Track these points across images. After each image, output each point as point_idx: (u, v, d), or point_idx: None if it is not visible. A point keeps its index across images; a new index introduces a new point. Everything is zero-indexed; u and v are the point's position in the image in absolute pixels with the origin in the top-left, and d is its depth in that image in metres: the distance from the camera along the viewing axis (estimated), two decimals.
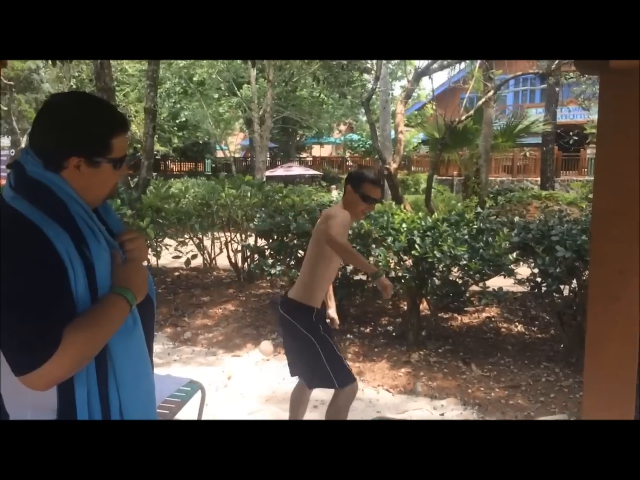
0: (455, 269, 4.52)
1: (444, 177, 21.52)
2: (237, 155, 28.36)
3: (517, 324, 5.44)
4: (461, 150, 12.60)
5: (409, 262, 4.64)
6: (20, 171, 1.23)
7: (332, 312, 3.20)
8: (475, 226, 4.53)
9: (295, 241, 5.18)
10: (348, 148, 29.44)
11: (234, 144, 27.54)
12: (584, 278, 4.21)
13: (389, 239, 4.62)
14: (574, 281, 4.46)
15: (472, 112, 7.91)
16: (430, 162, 8.33)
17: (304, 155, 31.13)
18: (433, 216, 4.78)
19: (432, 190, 15.54)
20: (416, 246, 4.39)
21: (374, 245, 4.77)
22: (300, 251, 5.29)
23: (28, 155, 1.24)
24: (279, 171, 21.07)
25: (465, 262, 4.25)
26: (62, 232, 1.16)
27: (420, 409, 3.90)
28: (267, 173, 18.82)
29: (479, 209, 5.39)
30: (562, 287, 4.44)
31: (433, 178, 8.12)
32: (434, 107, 21.71)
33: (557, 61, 7.41)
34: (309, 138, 29.57)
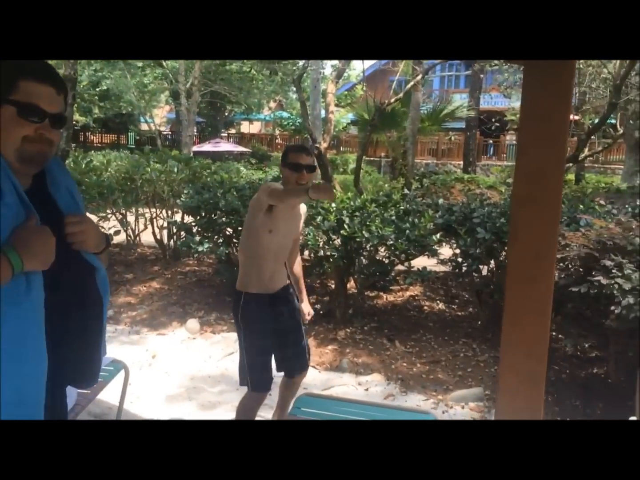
0: (382, 249, 4.62)
1: (372, 158, 21.79)
2: (162, 129, 27.44)
3: (438, 302, 5.66)
4: (389, 132, 12.79)
5: (338, 242, 4.70)
6: None
7: (304, 305, 2.99)
8: (402, 207, 4.65)
9: (223, 219, 5.11)
10: (278, 126, 29.19)
11: (159, 116, 26.61)
12: (502, 259, 4.43)
13: (318, 218, 4.65)
14: (492, 262, 4.68)
15: (401, 94, 8.03)
16: (359, 143, 8.40)
17: (232, 131, 30.56)
18: (362, 197, 4.85)
19: (361, 170, 15.76)
20: (345, 226, 4.45)
21: (303, 224, 4.79)
22: (228, 229, 5.22)
23: None
24: (207, 147, 20.57)
25: (392, 242, 4.36)
26: None
27: (346, 385, 4.00)
28: (195, 148, 18.36)
29: (405, 191, 5.52)
30: (481, 267, 4.65)
31: (362, 159, 8.21)
32: (364, 88, 21.90)
33: None
34: (238, 114, 29.02)
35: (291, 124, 27.28)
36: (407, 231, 4.37)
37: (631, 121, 11.28)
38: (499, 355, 4.70)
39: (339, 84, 19.13)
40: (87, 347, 1.42)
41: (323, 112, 16.62)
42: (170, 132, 28.69)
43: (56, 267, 1.26)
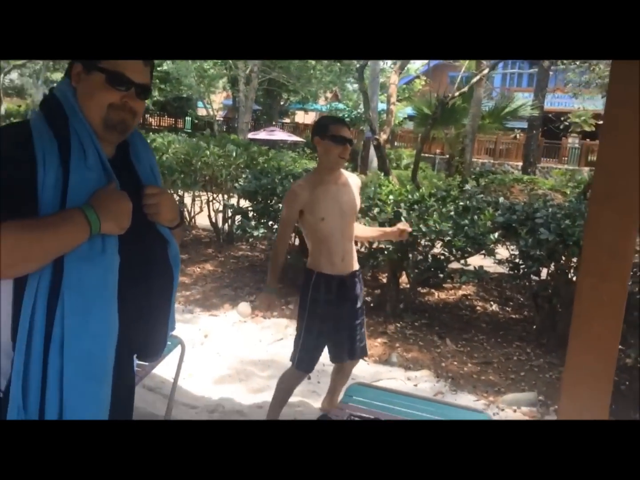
0: (439, 245, 4.55)
1: (426, 155, 21.46)
2: (217, 115, 27.84)
3: (492, 303, 5.53)
4: (447, 129, 12.57)
5: None
6: (50, 91, 1.33)
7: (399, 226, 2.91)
8: (462, 203, 4.55)
9: (280, 205, 5.13)
10: None
11: (216, 102, 27.01)
12: (563, 262, 4.28)
13: (375, 210, 4.61)
14: (552, 265, 4.53)
15: (465, 88, 7.86)
16: (419, 138, 8.27)
17: (286, 120, 30.69)
18: (420, 190, 4.78)
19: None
20: (402, 219, 4.39)
21: (359, 215, 4.76)
22: None
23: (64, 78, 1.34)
24: (262, 134, 20.75)
25: (449, 238, 4.28)
26: (50, 139, 1.20)
27: (395, 379, 3.96)
28: (250, 135, 18.55)
29: (467, 186, 5.41)
30: (540, 270, 4.52)
31: (421, 153, 8.10)
32: (425, 81, 21.51)
33: None
34: (294, 103, 29.13)
35: (346, 115, 27.19)
36: (466, 228, 4.28)
37: None
38: (553, 361, 4.57)
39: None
40: (156, 319, 1.44)
41: (380, 105, 16.53)
42: (224, 119, 29.06)
43: (131, 236, 1.28)
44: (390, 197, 4.65)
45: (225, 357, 4.20)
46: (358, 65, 14.81)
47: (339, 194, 2.73)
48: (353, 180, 2.89)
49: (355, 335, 2.89)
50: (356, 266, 2.87)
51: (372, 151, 13.36)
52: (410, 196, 4.68)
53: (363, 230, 3.11)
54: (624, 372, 4.04)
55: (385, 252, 4.56)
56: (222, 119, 29.04)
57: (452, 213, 4.41)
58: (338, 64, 19.18)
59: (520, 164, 18.42)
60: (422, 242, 4.52)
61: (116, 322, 1.27)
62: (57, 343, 1.18)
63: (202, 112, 27.06)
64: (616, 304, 1.94)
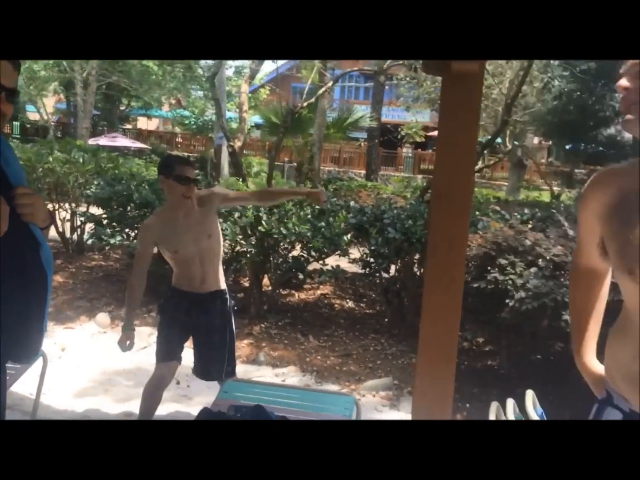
0: (298, 247, 4.80)
1: (275, 163, 21.97)
2: (51, 119, 25.87)
3: (348, 300, 5.92)
4: (295, 137, 13.05)
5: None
6: None
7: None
8: (318, 207, 4.85)
9: (137, 212, 5.04)
10: (178, 124, 28.52)
11: (49, 106, 25.06)
12: (407, 258, 4.76)
13: (236, 214, 4.73)
14: (399, 261, 5.01)
15: (313, 99, 8.29)
16: (273, 146, 8.50)
17: (128, 126, 29.42)
18: None
19: (264, 173, 15.86)
20: (263, 222, 4.57)
21: (220, 220, 4.84)
22: (142, 221, 5.15)
23: None
24: (103, 140, 19.69)
25: (308, 239, 4.54)
26: None
27: (263, 377, 4.11)
28: (91, 141, 17.54)
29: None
30: (389, 267, 4.97)
31: (275, 160, 8.35)
32: (269, 91, 21.91)
33: (389, 61, 8.06)
34: (135, 109, 28.04)
35: (193, 122, 26.81)
36: (323, 229, 4.58)
37: (515, 142, 12.34)
38: (404, 349, 5.02)
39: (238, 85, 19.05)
40: (31, 321, 1.45)
41: (228, 113, 16.62)
42: (57, 123, 27.09)
43: (3, 240, 1.28)
44: None
45: (86, 369, 4.04)
46: (207, 74, 14.79)
47: (192, 224, 2.78)
48: (212, 196, 2.90)
49: (221, 356, 2.96)
50: (221, 286, 2.98)
51: (223, 158, 13.40)
52: None
53: (281, 192, 3.21)
54: (462, 354, 4.61)
55: (248, 255, 4.69)
56: (54, 123, 27.01)
57: (310, 216, 4.68)
58: (182, 70, 18.89)
59: (362, 171, 19.66)
60: (283, 244, 4.73)
61: None
62: None
63: (33, 116, 24.93)
64: (456, 290, 2.29)
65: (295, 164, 17.11)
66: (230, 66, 20.55)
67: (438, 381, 2.31)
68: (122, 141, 21.35)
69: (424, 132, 22.06)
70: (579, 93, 7.85)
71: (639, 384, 1.13)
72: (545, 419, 2.19)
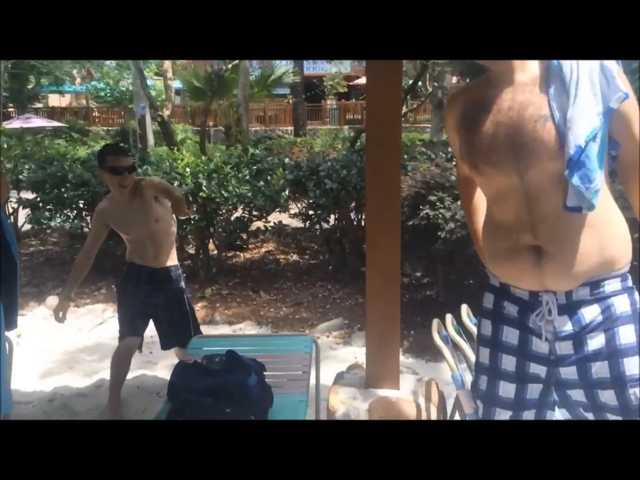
0: (240, 207, 4.95)
1: (197, 128, 21.52)
2: None
3: (292, 254, 6.16)
4: (219, 100, 12.90)
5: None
6: None
7: None
8: (255, 167, 4.99)
9: (73, 192, 5.02)
10: (93, 97, 27.30)
11: None
12: (345, 206, 5.02)
13: (175, 183, 4.80)
14: (337, 211, 5.26)
15: (237, 60, 8.23)
16: (200, 111, 8.34)
17: (39, 105, 27.88)
18: (215, 159, 5.09)
19: (190, 140, 15.63)
20: (203, 188, 4.68)
21: None
22: (80, 201, 5.14)
23: None
24: (16, 122, 18.70)
25: (249, 199, 4.70)
26: None
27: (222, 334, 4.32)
28: (5, 124, 16.64)
29: (256, 151, 5.87)
30: (328, 217, 5.21)
31: (205, 125, 8.32)
32: None
33: None
34: (46, 86, 26.57)
35: (109, 94, 25.73)
36: (262, 188, 4.74)
37: (435, 83, 12.69)
38: (350, 292, 5.33)
39: None
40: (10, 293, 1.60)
41: (149, 81, 16.14)
42: None
43: None
44: (187, 169, 4.88)
45: (46, 351, 4.11)
46: None
47: (137, 210, 2.89)
48: (145, 186, 2.94)
49: (181, 325, 3.13)
50: (172, 262, 3.13)
51: (147, 128, 13.10)
52: (206, 166, 4.97)
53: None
54: (403, 288, 4.97)
55: (192, 222, 4.81)
56: None
57: (248, 177, 4.82)
58: None
59: (289, 128, 19.65)
60: (225, 207, 4.87)
61: None
62: None
63: None
64: (395, 229, 2.55)
65: (220, 127, 16.93)
66: None
67: (386, 314, 2.60)
68: (37, 121, 20.33)
69: (346, 82, 22.16)
70: None
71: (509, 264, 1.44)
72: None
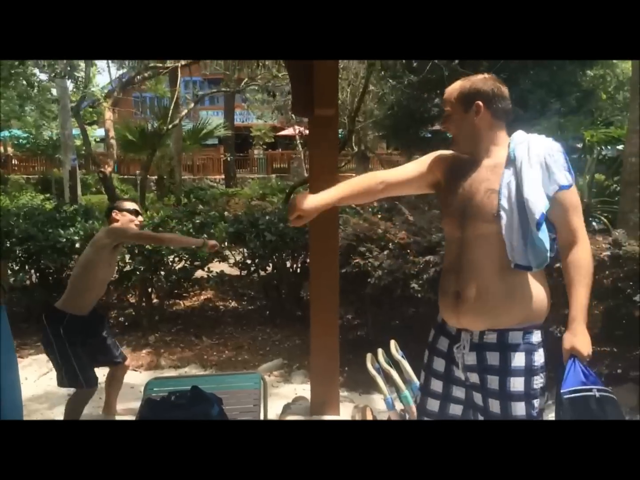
0: (186, 257, 5.29)
1: (126, 176, 21.47)
2: None
3: (230, 301, 6.50)
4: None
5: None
6: None
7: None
8: (198, 221, 5.38)
9: (20, 246, 5.18)
10: (13, 144, 26.53)
11: None
12: (283, 256, 5.48)
13: None
14: (275, 260, 5.70)
15: (178, 120, 8.64)
16: (142, 164, 8.55)
17: None
18: (160, 213, 5.44)
19: (122, 191, 15.65)
20: None
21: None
22: (24, 255, 5.29)
23: None
24: None
25: (193, 251, 5.06)
26: None
27: None
28: None
29: (200, 206, 6.25)
30: (267, 265, 5.64)
31: (146, 179, 8.59)
32: (110, 106, 21.38)
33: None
34: None
35: (26, 142, 25.14)
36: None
37: (362, 145, 13.61)
38: (287, 334, 5.72)
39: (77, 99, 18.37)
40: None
41: (74, 131, 16.13)
42: None
43: None
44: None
45: None
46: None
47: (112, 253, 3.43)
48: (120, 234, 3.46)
49: (108, 346, 3.57)
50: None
51: (77, 180, 13.11)
52: (150, 220, 5.29)
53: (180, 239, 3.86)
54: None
55: (138, 273, 5.10)
56: None
57: (192, 230, 5.19)
58: (14, 92, 17.82)
59: (217, 176, 20.11)
60: (170, 258, 5.20)
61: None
62: None
63: None
64: (334, 276, 3.03)
65: (147, 176, 17.10)
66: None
67: (327, 351, 3.04)
68: None
69: (273, 133, 22.99)
70: (406, 102, 9.16)
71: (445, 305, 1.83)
72: (405, 359, 2.99)
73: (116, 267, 3.48)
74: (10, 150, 27.21)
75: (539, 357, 1.73)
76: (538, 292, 1.74)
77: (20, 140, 25.59)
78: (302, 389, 4.26)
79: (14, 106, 18.02)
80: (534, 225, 1.64)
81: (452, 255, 1.84)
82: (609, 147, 4.88)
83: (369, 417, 2.97)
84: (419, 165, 1.96)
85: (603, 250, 3.58)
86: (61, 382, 3.39)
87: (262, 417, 2.99)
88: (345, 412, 3.00)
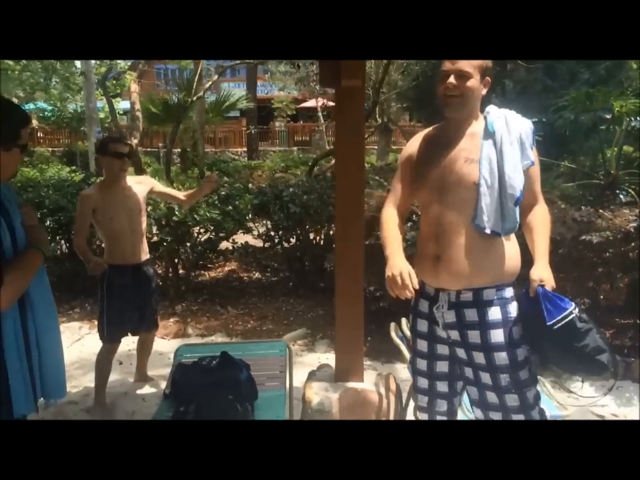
0: (212, 229, 5.38)
1: (148, 149, 21.62)
2: None
3: (254, 272, 6.60)
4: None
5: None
6: None
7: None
8: (223, 193, 5.44)
9: (51, 217, 5.31)
10: (40, 118, 26.87)
11: None
12: (307, 227, 5.53)
13: (149, 208, 5.19)
14: (299, 231, 5.76)
15: (202, 92, 8.65)
16: (169, 135, 8.55)
17: None
18: (186, 185, 5.51)
19: (146, 164, 15.79)
20: (176, 212, 5.09)
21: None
22: (56, 226, 5.43)
23: None
24: None
25: (218, 223, 5.15)
26: None
27: None
28: None
29: (225, 178, 6.31)
30: (290, 237, 5.71)
31: (171, 152, 8.67)
32: (134, 79, 21.51)
33: None
34: None
35: (53, 116, 25.41)
36: (231, 212, 5.20)
37: (385, 117, 13.48)
38: (311, 304, 5.81)
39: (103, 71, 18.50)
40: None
41: (99, 103, 16.26)
42: None
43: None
44: None
45: None
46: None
47: (127, 199, 3.41)
48: (141, 184, 3.57)
49: (149, 311, 3.69)
50: (146, 256, 3.62)
51: None
52: None
53: (186, 195, 3.79)
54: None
55: (165, 244, 5.20)
56: None
57: (217, 201, 5.27)
58: (39, 64, 17.98)
59: (239, 149, 20.15)
60: (197, 229, 5.29)
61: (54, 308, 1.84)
62: (34, 339, 1.70)
63: None
64: (359, 248, 3.06)
65: (172, 149, 17.20)
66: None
67: (352, 317, 3.10)
68: None
69: (294, 105, 22.85)
70: (430, 73, 9.04)
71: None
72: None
73: (145, 218, 3.51)
74: (35, 123, 27.59)
75: (513, 309, 1.90)
76: (511, 253, 1.91)
77: (46, 113, 25.90)
78: (325, 358, 4.36)
79: (39, 79, 18.18)
80: (512, 201, 1.83)
81: (429, 221, 1.97)
82: (638, 118, 4.79)
83: (392, 385, 3.04)
84: (402, 175, 2.10)
85: (629, 222, 3.56)
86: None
87: (287, 384, 3.08)
88: (369, 379, 3.08)
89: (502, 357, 1.88)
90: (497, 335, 1.89)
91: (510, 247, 1.93)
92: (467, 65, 1.88)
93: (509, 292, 1.93)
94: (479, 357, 1.91)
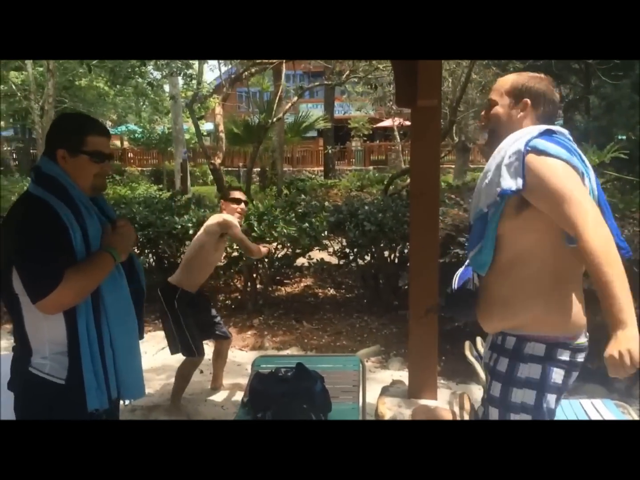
0: (288, 245, 5.55)
1: (229, 168, 22.44)
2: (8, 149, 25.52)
3: (329, 288, 6.71)
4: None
5: None
6: (38, 170, 1.77)
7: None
8: (300, 210, 5.61)
9: (140, 232, 5.65)
10: (130, 139, 28.54)
11: None
12: (382, 245, 5.58)
13: None
14: (373, 249, 5.82)
15: (281, 114, 8.99)
16: (249, 155, 8.96)
17: None
18: (265, 202, 5.72)
19: (226, 183, 16.41)
20: (255, 229, 5.29)
21: None
22: (145, 240, 5.78)
23: (42, 157, 1.80)
24: None
25: (295, 239, 5.31)
26: (66, 208, 1.69)
27: None
28: None
29: (302, 196, 6.50)
30: (365, 255, 5.77)
31: (252, 171, 9.04)
32: (217, 101, 22.47)
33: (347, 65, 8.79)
34: None
35: (142, 137, 26.90)
36: (307, 229, 5.34)
37: (462, 135, 13.35)
38: (384, 322, 5.83)
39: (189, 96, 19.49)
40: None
41: (184, 125, 17.15)
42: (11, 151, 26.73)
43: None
44: None
45: None
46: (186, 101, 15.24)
47: (219, 239, 3.78)
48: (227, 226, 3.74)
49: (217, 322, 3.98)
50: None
51: (187, 172, 13.93)
52: (256, 209, 5.59)
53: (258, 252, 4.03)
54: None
55: (244, 259, 5.41)
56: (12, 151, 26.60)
57: (294, 219, 5.43)
58: (132, 89, 19.21)
59: (316, 168, 20.52)
60: (275, 245, 5.47)
61: (134, 314, 1.92)
62: (108, 339, 1.79)
63: None
64: (433, 267, 3.09)
65: (252, 168, 17.83)
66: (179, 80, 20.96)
67: (426, 335, 3.12)
68: None
69: (371, 125, 23.01)
70: None
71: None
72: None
73: (224, 253, 3.75)
74: (126, 144, 29.33)
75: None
76: (567, 303, 1.72)
77: (136, 135, 27.49)
78: (398, 375, 4.36)
79: (131, 102, 19.41)
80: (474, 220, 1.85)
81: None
82: None
83: (467, 404, 3.02)
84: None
85: None
86: (174, 350, 3.77)
87: (360, 398, 3.13)
88: (443, 397, 3.07)
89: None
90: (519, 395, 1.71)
91: (568, 294, 1.71)
92: (494, 92, 1.78)
93: (559, 353, 1.69)
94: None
